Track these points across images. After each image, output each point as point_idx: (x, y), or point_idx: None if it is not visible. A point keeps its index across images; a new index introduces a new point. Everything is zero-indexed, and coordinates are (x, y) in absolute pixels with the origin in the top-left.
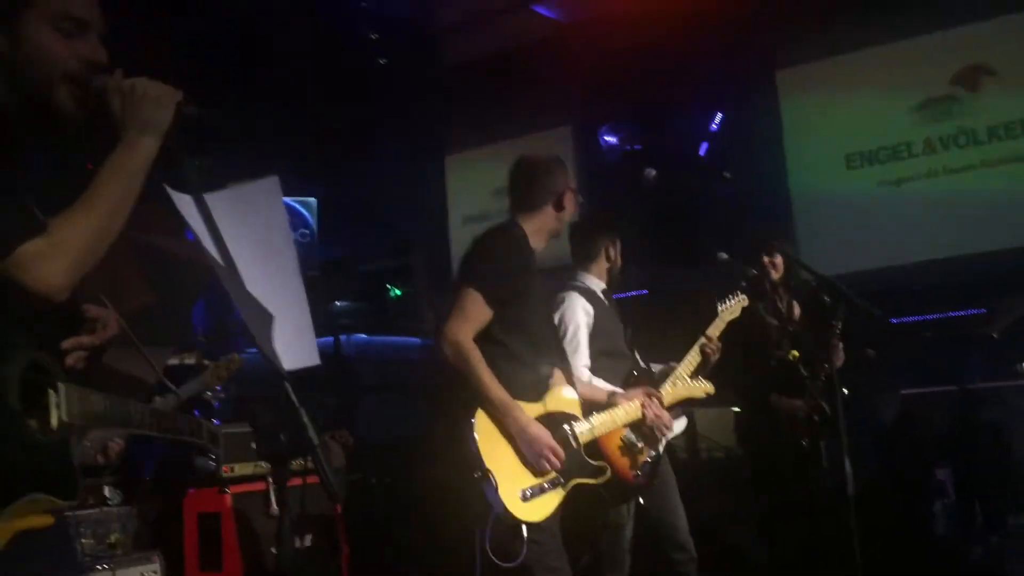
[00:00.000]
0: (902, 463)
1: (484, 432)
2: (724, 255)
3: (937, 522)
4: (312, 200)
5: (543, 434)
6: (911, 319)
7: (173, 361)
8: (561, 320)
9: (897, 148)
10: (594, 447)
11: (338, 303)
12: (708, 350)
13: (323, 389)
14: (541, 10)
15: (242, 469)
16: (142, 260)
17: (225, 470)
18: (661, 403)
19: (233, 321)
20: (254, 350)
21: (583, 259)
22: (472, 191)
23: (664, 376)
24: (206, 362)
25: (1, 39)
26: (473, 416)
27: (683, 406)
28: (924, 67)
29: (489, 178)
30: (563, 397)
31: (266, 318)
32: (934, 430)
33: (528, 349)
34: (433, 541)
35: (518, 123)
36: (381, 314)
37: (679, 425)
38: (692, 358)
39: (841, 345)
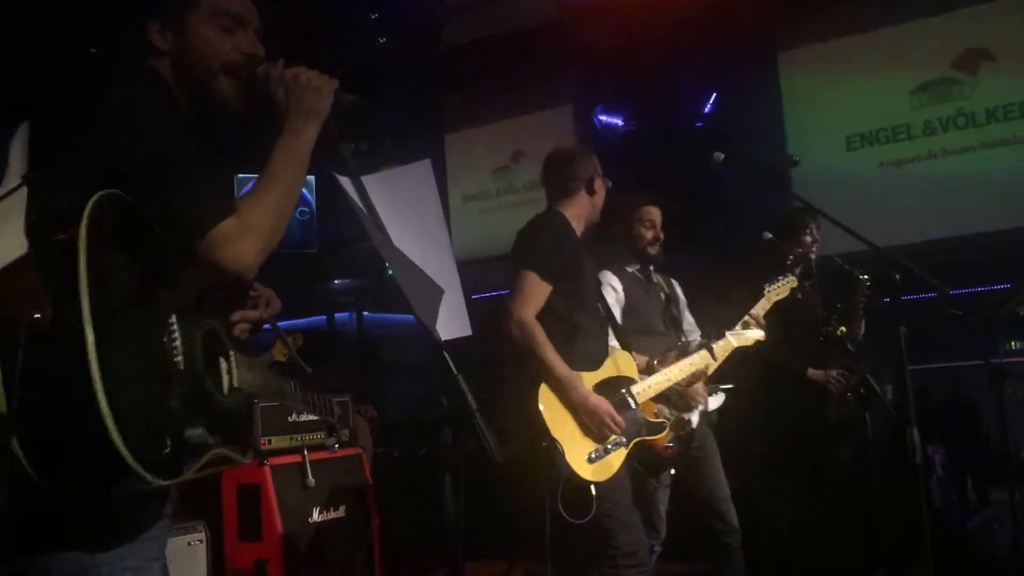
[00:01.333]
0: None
1: (548, 404)
2: (768, 234)
3: (933, 497)
4: (310, 177)
5: (602, 404)
6: (910, 297)
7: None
8: None
9: (897, 130)
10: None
11: (337, 281)
12: (751, 325)
13: (344, 365)
14: None
15: (279, 442)
16: None
17: (263, 442)
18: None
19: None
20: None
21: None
22: (471, 170)
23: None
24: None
25: (169, 36)
26: (538, 390)
27: (717, 382)
28: (924, 50)
29: (488, 157)
30: (620, 362)
31: (424, 291)
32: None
33: (588, 321)
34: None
35: (517, 102)
36: (380, 292)
37: (715, 400)
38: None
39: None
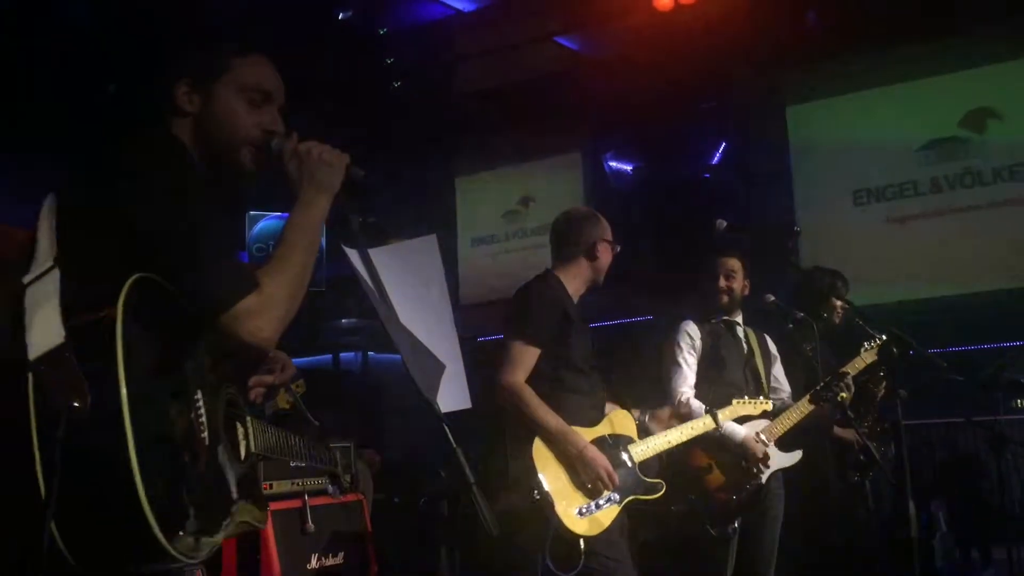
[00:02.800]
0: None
1: (541, 456)
2: (771, 297)
3: (936, 555)
4: None
5: (599, 457)
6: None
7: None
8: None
9: (904, 186)
10: (649, 465)
11: (344, 320)
12: (845, 387)
13: (347, 407)
14: (563, 41)
15: (280, 486)
16: None
17: (264, 487)
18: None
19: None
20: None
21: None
22: (481, 214)
23: (779, 412)
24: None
25: (196, 99)
26: (532, 442)
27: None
28: (932, 108)
29: (498, 201)
30: (618, 421)
31: (426, 364)
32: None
33: (579, 381)
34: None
35: (528, 148)
36: (386, 333)
37: (791, 457)
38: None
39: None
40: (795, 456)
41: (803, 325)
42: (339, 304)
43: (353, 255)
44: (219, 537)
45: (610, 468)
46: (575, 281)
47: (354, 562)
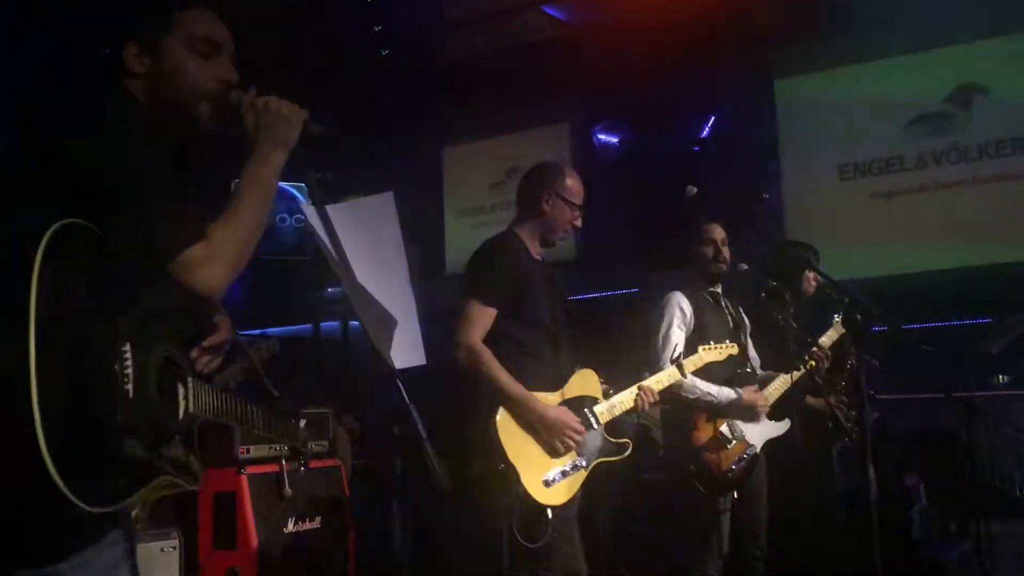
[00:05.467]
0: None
1: (505, 427)
2: (744, 266)
3: (914, 527)
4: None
5: (562, 416)
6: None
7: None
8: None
9: (890, 161)
10: (614, 426)
11: (330, 289)
12: (817, 357)
13: (328, 375)
14: (551, 11)
15: (258, 451)
16: None
17: (241, 452)
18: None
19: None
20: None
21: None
22: (468, 185)
23: (768, 380)
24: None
25: (146, 60)
26: (495, 413)
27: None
28: (918, 83)
29: (485, 172)
30: (582, 383)
31: (380, 319)
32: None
33: (541, 342)
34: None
35: (516, 119)
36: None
37: (780, 427)
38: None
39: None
40: (784, 425)
41: (776, 295)
42: (323, 273)
43: (310, 211)
44: (137, 493)
45: (575, 425)
46: (532, 239)
47: (332, 527)
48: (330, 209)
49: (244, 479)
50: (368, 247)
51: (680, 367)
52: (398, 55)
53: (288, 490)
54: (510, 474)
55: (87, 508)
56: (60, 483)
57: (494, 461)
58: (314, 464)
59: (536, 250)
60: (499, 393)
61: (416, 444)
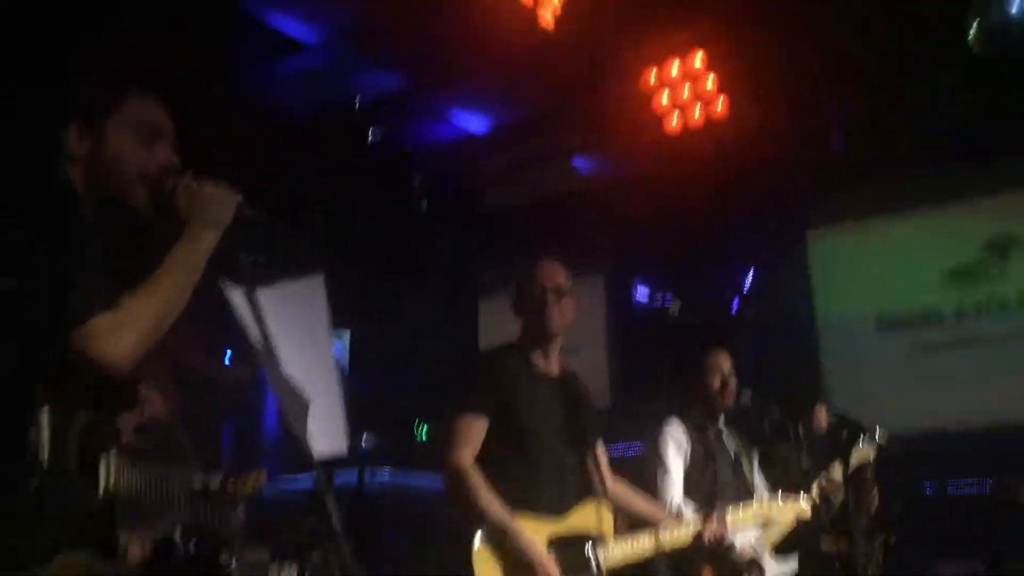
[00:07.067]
0: None
1: (482, 556)
2: (748, 392)
3: None
4: (345, 333)
5: (542, 561)
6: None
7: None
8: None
9: (928, 314)
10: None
11: (364, 436)
12: (827, 491)
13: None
14: (581, 164)
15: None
16: (179, 378)
17: None
18: (724, 524)
19: (259, 444)
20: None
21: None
22: (503, 335)
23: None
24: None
25: (85, 143)
26: (473, 540)
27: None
28: (956, 234)
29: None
30: (588, 515)
31: (301, 406)
32: None
33: (542, 461)
34: None
35: None
36: (408, 452)
37: (788, 566)
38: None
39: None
40: (792, 563)
41: (781, 424)
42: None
43: (236, 293)
44: (42, 566)
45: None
46: (532, 347)
47: None
48: (260, 292)
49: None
50: (295, 332)
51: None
52: (436, 208)
53: None
54: None
55: None
56: None
57: None
58: None
59: (544, 362)
60: (483, 517)
61: (329, 539)
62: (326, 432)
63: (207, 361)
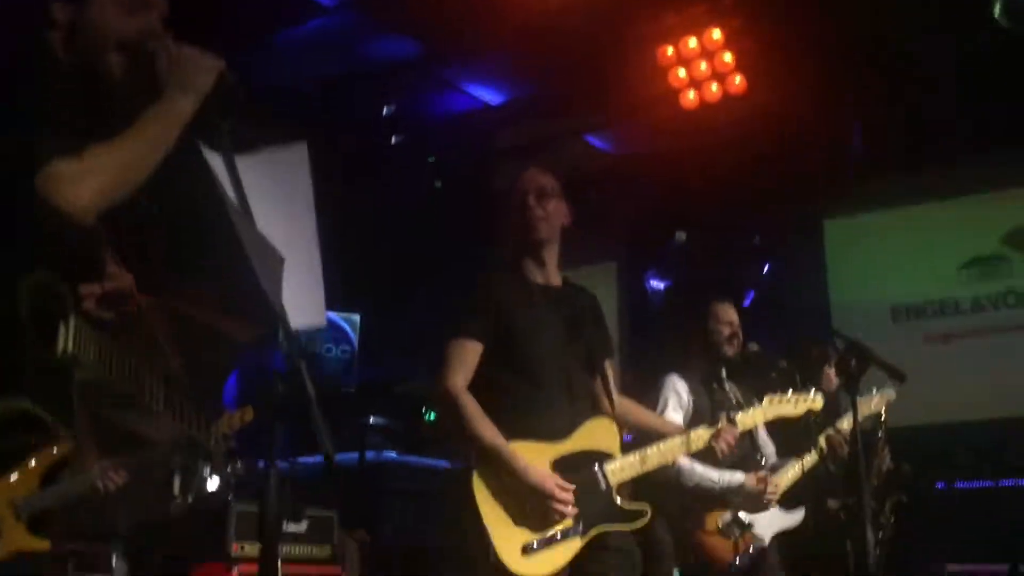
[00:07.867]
0: None
1: (483, 485)
2: (755, 346)
3: None
4: (355, 317)
5: (544, 480)
6: (961, 485)
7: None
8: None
9: (944, 304)
10: (628, 488)
11: (372, 419)
12: (835, 442)
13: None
14: (594, 141)
15: (252, 549)
16: (179, 330)
17: (235, 548)
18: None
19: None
20: None
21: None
22: None
23: (779, 468)
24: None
25: (67, 10)
26: (472, 470)
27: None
28: (974, 225)
29: None
30: (593, 434)
31: (276, 275)
32: None
33: (542, 385)
34: None
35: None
36: (414, 435)
37: (794, 518)
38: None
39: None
40: (797, 516)
41: (787, 376)
42: (368, 403)
43: (216, 160)
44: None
45: (556, 492)
46: (521, 256)
47: None
48: (239, 159)
49: (235, 574)
50: (275, 199)
51: (731, 420)
52: (449, 187)
53: None
54: (482, 540)
55: None
56: None
57: (468, 526)
58: (313, 570)
59: (539, 272)
60: (477, 445)
61: (305, 406)
62: (302, 303)
63: (208, 312)
